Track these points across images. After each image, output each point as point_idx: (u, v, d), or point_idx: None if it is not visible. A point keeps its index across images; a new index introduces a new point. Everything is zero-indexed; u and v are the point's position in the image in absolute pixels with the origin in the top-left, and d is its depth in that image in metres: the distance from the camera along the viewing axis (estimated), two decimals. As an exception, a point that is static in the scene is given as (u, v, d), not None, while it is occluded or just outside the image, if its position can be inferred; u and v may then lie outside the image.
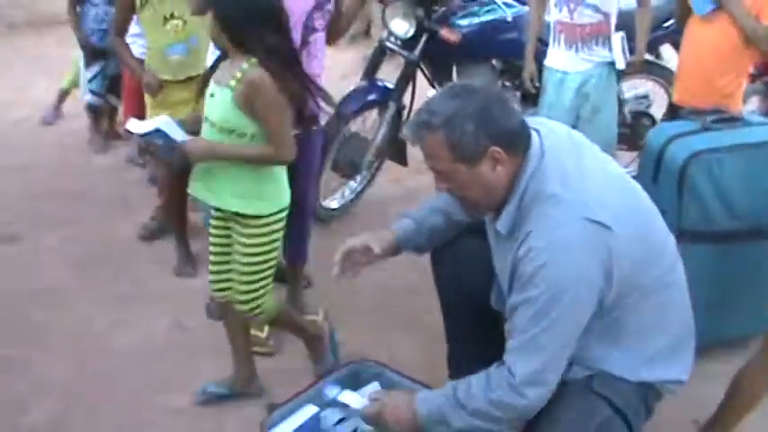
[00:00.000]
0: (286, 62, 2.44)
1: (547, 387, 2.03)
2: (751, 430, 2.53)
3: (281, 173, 2.60)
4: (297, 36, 2.80)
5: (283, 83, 2.41)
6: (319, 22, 3.00)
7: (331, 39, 3.16)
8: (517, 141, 2.02)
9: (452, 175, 2.03)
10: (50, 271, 3.74)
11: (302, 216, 3.12)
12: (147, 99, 3.60)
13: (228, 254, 2.62)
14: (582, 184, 2.02)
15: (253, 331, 2.92)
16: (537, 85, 3.68)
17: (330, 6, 3.04)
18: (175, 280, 3.63)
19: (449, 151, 1.99)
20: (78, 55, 5.18)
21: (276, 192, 2.59)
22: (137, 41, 3.86)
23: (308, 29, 2.96)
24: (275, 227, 2.58)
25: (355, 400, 2.34)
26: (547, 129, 2.12)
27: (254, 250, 2.55)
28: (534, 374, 2.01)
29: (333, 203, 4.21)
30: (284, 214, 2.61)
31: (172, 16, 3.43)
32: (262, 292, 2.61)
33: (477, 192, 2.06)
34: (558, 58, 3.49)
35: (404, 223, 2.47)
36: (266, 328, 3.03)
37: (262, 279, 2.60)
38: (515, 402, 2.02)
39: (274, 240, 2.59)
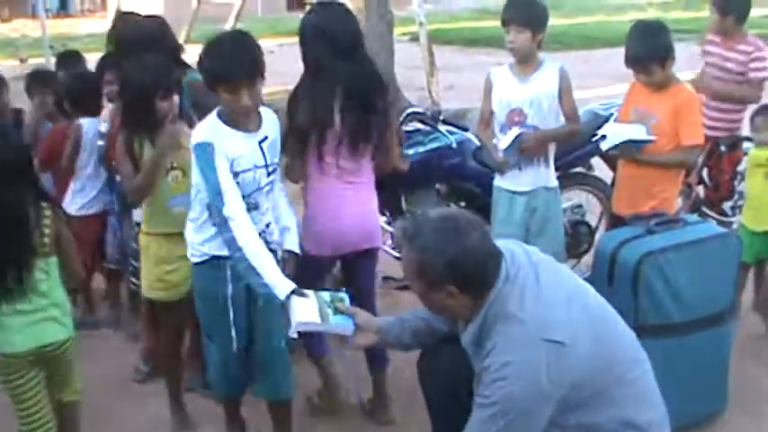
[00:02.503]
0: None
1: None
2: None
3: None
4: None
5: None
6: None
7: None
8: (476, 288, 2.31)
9: (415, 284, 2.36)
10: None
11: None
12: (145, 257, 3.38)
13: None
14: (539, 305, 2.29)
15: None
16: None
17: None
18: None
19: (416, 268, 2.31)
20: None
21: None
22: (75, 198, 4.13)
23: None
24: None
25: None
26: (509, 253, 2.38)
27: None
28: None
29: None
30: None
31: (172, 167, 3.26)
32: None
33: (438, 308, 2.40)
34: (507, 178, 3.76)
35: (386, 318, 2.81)
36: None
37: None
38: None
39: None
